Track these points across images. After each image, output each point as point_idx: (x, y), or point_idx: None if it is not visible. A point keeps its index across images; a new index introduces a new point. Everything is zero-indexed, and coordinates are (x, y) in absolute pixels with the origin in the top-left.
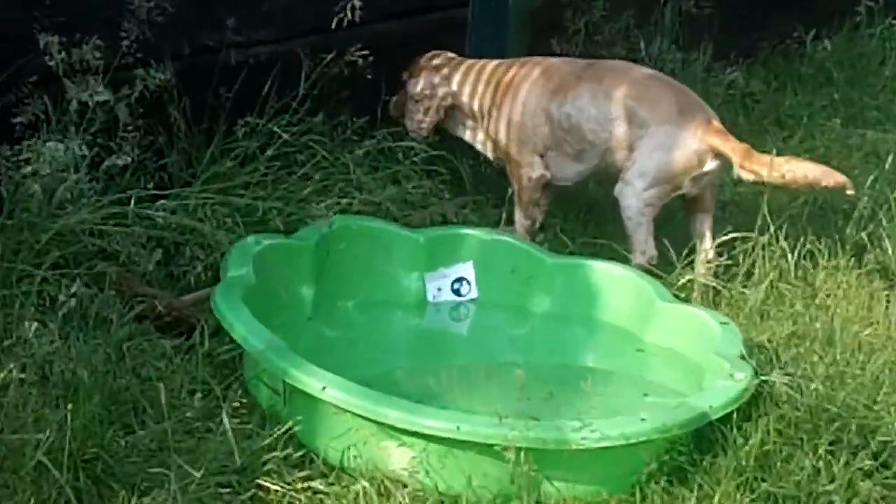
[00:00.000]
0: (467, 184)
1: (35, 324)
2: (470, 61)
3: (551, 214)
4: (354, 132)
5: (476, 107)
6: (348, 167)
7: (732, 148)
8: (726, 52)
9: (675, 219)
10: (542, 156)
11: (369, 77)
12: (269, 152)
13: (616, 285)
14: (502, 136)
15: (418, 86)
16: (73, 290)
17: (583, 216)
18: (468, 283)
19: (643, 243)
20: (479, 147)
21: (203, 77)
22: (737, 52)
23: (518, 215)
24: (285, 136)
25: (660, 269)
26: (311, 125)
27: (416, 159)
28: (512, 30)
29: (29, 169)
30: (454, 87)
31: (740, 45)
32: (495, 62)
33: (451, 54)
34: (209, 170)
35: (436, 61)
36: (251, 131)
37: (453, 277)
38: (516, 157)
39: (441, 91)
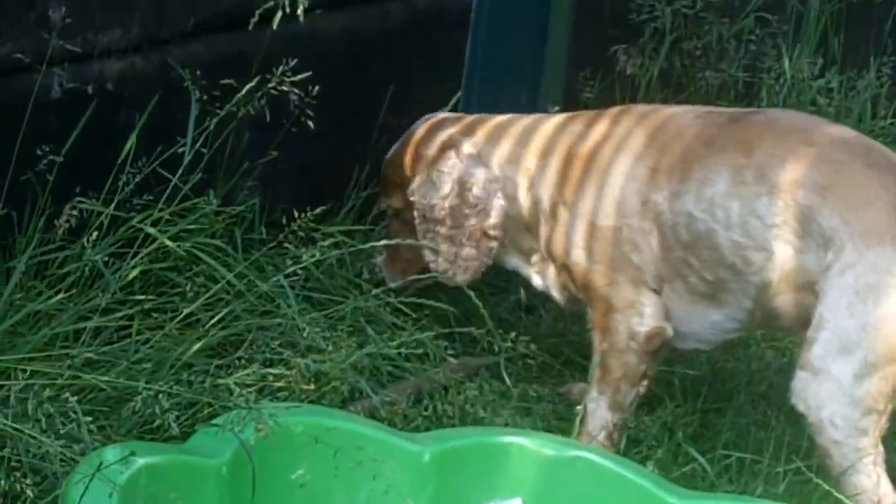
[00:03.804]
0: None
1: None
2: (507, 119)
3: None
4: (286, 233)
5: (528, 205)
6: (277, 302)
7: None
8: None
9: None
10: (655, 291)
11: (311, 123)
12: (130, 268)
13: None
14: (578, 255)
15: (439, 187)
16: None
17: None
18: None
19: (873, 493)
20: (535, 280)
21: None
22: None
23: (596, 403)
24: (153, 232)
25: None
26: (201, 214)
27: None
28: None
29: None
30: (501, 172)
31: None
32: (559, 118)
33: (465, 116)
34: (11, 309)
35: (450, 130)
36: (87, 225)
37: None
38: (605, 291)
39: (489, 185)
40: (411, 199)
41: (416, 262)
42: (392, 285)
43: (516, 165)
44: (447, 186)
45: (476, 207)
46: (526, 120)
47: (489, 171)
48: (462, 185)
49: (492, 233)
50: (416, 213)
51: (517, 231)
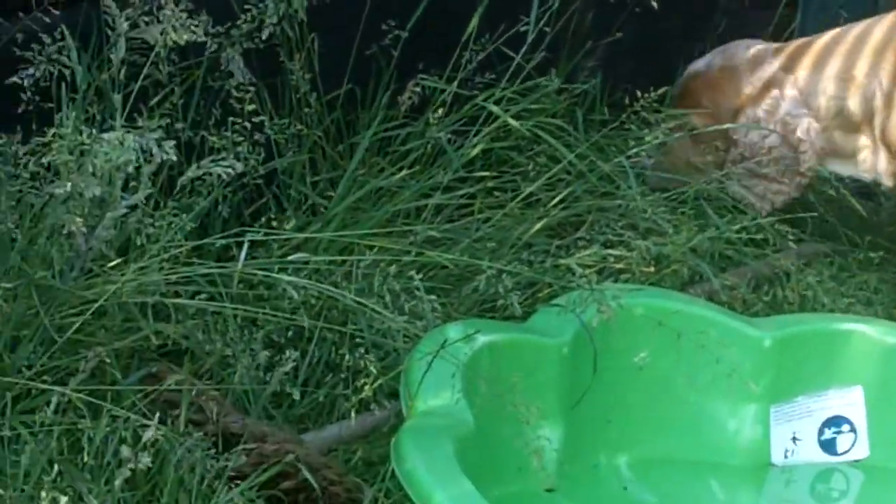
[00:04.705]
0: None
1: None
2: (832, 37)
3: None
4: (628, 114)
5: (859, 107)
6: (618, 184)
7: None
8: None
9: None
10: None
11: (654, 3)
12: (472, 146)
13: None
14: None
15: (763, 130)
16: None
17: None
18: (852, 428)
19: None
20: (862, 176)
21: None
22: None
23: None
24: (496, 111)
25: None
26: (543, 93)
27: None
28: None
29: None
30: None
31: None
32: (893, 16)
33: (786, 47)
34: (354, 185)
35: (773, 66)
36: (429, 102)
37: (823, 417)
38: None
39: (812, 128)
40: (734, 137)
41: (682, 170)
42: (653, 189)
43: (846, 83)
44: (771, 127)
45: (796, 150)
46: (856, 29)
47: (811, 112)
48: (785, 127)
49: (807, 174)
50: (734, 149)
51: (845, 138)
